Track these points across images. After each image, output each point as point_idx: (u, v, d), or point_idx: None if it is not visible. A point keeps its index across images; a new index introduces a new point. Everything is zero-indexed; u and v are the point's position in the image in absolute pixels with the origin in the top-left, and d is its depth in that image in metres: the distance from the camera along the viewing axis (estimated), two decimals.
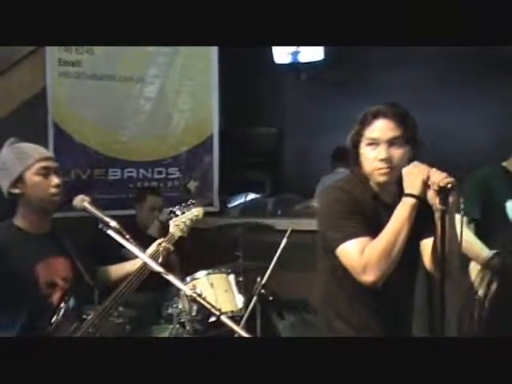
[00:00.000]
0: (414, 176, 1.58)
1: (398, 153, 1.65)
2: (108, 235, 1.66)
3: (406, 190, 1.60)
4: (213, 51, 4.23)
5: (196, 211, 2.31)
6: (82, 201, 1.82)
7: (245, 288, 3.16)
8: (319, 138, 5.08)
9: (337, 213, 1.67)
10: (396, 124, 1.65)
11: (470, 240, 2.52)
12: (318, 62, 4.46)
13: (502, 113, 4.38)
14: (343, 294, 1.74)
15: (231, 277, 3.19)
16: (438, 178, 1.53)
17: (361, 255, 1.60)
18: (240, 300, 3.11)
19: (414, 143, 1.68)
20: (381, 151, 1.64)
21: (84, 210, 1.80)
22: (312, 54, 4.47)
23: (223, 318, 1.43)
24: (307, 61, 4.49)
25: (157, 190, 3.82)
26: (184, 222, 2.26)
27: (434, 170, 1.57)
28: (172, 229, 2.24)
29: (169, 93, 4.17)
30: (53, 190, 1.90)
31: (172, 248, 2.15)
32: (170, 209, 2.32)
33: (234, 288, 3.16)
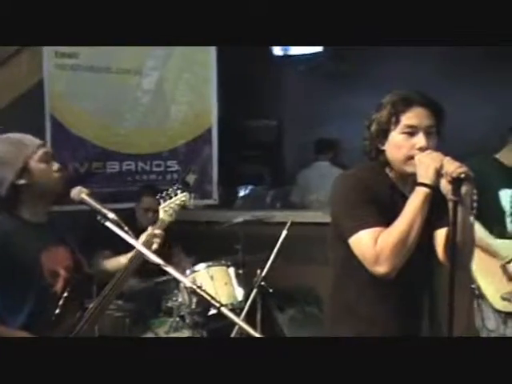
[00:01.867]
0: (428, 164, 1.54)
1: (432, 142, 1.61)
2: (105, 227, 1.64)
3: (419, 179, 1.56)
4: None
5: (183, 196, 2.37)
6: (79, 192, 1.80)
7: (245, 280, 3.15)
8: (318, 129, 5.06)
9: (352, 201, 1.63)
10: (431, 112, 1.61)
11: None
12: (317, 53, 4.42)
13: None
14: (354, 287, 1.69)
15: (231, 269, 3.18)
16: (452, 167, 1.49)
17: (374, 245, 1.56)
18: (240, 293, 3.11)
19: (440, 134, 1.65)
20: (420, 139, 1.59)
21: (82, 201, 1.78)
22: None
23: (223, 310, 1.42)
24: (306, 52, 4.46)
25: (153, 190, 3.80)
26: (172, 208, 2.31)
27: (448, 158, 1.53)
28: (161, 214, 2.29)
29: (167, 85, 4.14)
30: (56, 175, 1.90)
31: (162, 233, 2.16)
32: (159, 194, 2.36)
33: (234, 281, 3.15)
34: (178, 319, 2.97)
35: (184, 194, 2.37)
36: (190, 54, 4.17)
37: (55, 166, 1.90)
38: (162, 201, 2.32)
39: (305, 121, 5.29)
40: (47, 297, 1.84)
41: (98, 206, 1.70)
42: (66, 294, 1.86)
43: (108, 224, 1.64)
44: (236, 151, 4.94)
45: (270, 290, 3.02)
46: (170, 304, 3.03)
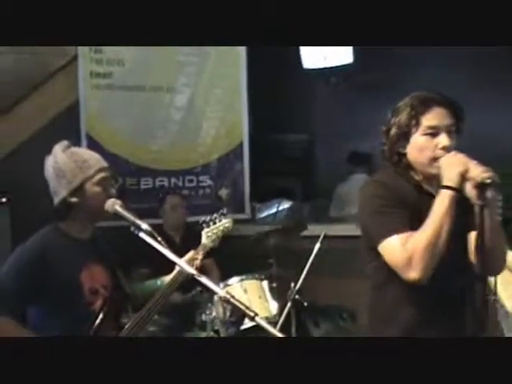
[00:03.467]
0: (453, 167, 1.52)
1: (453, 141, 1.60)
2: (143, 244, 1.64)
3: (444, 182, 1.54)
4: (241, 57, 4.23)
5: (227, 222, 2.38)
6: (113, 204, 1.82)
7: (279, 294, 3.12)
8: (350, 142, 5.02)
9: (377, 208, 1.61)
10: (450, 112, 1.60)
11: None
12: (348, 65, 4.40)
13: None
14: (390, 295, 1.66)
15: (265, 283, 3.15)
16: (477, 171, 1.47)
17: (403, 250, 1.52)
18: (274, 306, 3.07)
19: (460, 133, 1.63)
20: (443, 139, 1.58)
21: (116, 213, 1.80)
22: (341, 57, 4.42)
23: (258, 320, 1.40)
24: (336, 64, 4.45)
25: (174, 191, 3.84)
26: (216, 233, 2.32)
27: (474, 162, 1.50)
28: (204, 239, 2.31)
29: (198, 101, 4.19)
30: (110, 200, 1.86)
31: (202, 258, 2.19)
32: (202, 219, 2.37)
33: (268, 294, 3.11)
34: (212, 333, 2.96)
35: (228, 219, 2.38)
36: (220, 70, 4.22)
37: (112, 193, 1.89)
38: (205, 226, 2.33)
39: (336, 134, 5.25)
40: (85, 315, 1.85)
41: (132, 218, 1.70)
42: (103, 313, 1.86)
43: (142, 235, 1.64)
44: (267, 166, 4.93)
45: (305, 304, 2.98)
46: (204, 318, 3.02)
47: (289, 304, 2.89)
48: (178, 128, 4.14)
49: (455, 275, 1.62)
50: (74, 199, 1.86)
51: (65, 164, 1.87)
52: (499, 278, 2.37)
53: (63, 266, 1.82)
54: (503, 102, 4.46)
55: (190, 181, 4.17)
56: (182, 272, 2.03)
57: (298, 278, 2.93)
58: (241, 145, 4.30)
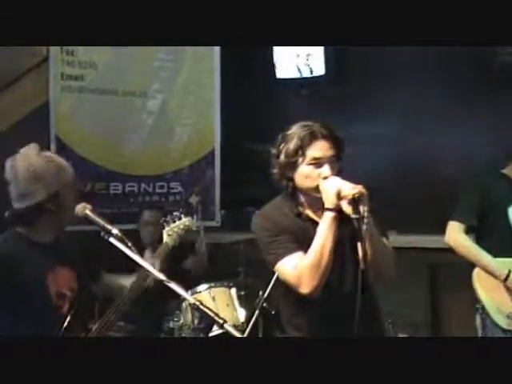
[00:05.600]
0: (328, 190, 1.70)
1: (334, 170, 1.76)
2: (109, 246, 1.64)
3: (325, 205, 1.71)
4: (215, 66, 4.25)
5: (187, 220, 2.41)
6: (83, 209, 1.80)
7: (247, 302, 3.13)
8: None
9: (264, 239, 1.82)
10: (333, 144, 1.78)
11: (467, 246, 2.51)
12: (320, 76, 4.46)
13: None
14: (290, 305, 1.88)
15: (233, 291, 3.15)
16: (347, 189, 1.65)
17: (294, 270, 1.73)
18: (242, 314, 3.07)
19: (341, 160, 1.81)
20: (325, 169, 1.75)
21: (86, 217, 1.78)
22: (313, 68, 4.49)
23: (226, 326, 1.41)
24: (308, 76, 4.50)
25: (154, 206, 3.79)
26: (176, 232, 2.34)
27: (344, 182, 1.68)
28: (165, 238, 2.32)
29: (171, 107, 4.19)
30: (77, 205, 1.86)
31: (164, 256, 2.18)
32: (163, 218, 2.40)
33: (236, 302, 3.12)
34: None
35: (188, 218, 2.40)
36: (194, 77, 4.23)
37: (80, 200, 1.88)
38: (165, 225, 2.34)
39: None
40: (54, 319, 1.82)
41: (102, 222, 1.69)
42: (70, 316, 1.84)
43: (112, 240, 1.63)
44: (239, 174, 4.94)
45: (273, 312, 3.00)
46: (171, 325, 3.00)
47: (256, 312, 2.90)
48: (150, 133, 4.12)
49: (345, 283, 1.80)
50: (48, 205, 1.83)
51: (41, 168, 1.84)
52: (482, 284, 2.47)
53: (28, 271, 1.79)
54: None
55: (161, 187, 4.15)
56: (145, 277, 2.03)
57: (267, 287, 2.94)
58: (212, 152, 4.31)
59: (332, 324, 1.77)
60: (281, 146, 1.82)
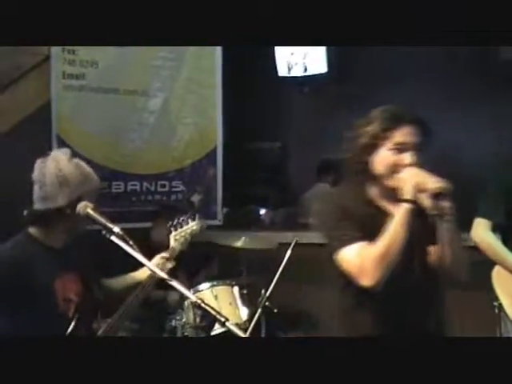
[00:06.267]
0: (408, 181, 1.60)
1: (419, 159, 1.65)
2: (112, 245, 1.63)
3: (402, 195, 1.61)
4: (217, 65, 4.25)
5: (195, 225, 2.37)
6: (85, 207, 1.80)
7: (249, 301, 3.12)
8: (322, 151, 5.07)
9: (327, 222, 1.71)
10: (419, 130, 1.66)
11: (492, 244, 2.48)
12: (322, 74, 4.46)
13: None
14: (350, 301, 1.72)
15: (235, 289, 3.15)
16: (430, 183, 1.55)
17: (357, 259, 1.61)
18: (244, 312, 3.07)
19: (425, 150, 1.69)
20: (408, 156, 1.63)
21: (87, 216, 1.78)
22: (315, 66, 4.48)
23: (229, 325, 1.40)
24: (310, 74, 4.50)
25: (168, 213, 3.78)
26: (184, 236, 2.31)
27: (426, 174, 1.58)
28: (172, 243, 2.28)
29: (173, 106, 4.18)
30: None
31: (173, 262, 2.16)
32: (170, 222, 2.35)
33: (239, 301, 3.12)
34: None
35: (195, 222, 2.37)
36: (195, 76, 4.22)
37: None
38: (173, 229, 2.32)
39: (309, 143, 5.30)
40: (59, 324, 1.82)
41: (103, 221, 1.68)
42: (75, 320, 1.84)
43: (113, 238, 1.62)
44: (241, 172, 4.95)
45: (275, 311, 2.99)
46: (173, 323, 3.00)
47: (259, 311, 2.90)
48: (152, 132, 4.11)
49: (412, 280, 1.68)
50: (68, 210, 1.83)
51: (70, 174, 1.85)
52: (500, 282, 2.44)
53: (38, 276, 1.80)
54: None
55: (163, 185, 4.15)
56: (152, 277, 2.02)
57: (269, 285, 2.94)
58: (214, 151, 4.31)
59: (390, 322, 1.67)
60: (361, 129, 1.68)
